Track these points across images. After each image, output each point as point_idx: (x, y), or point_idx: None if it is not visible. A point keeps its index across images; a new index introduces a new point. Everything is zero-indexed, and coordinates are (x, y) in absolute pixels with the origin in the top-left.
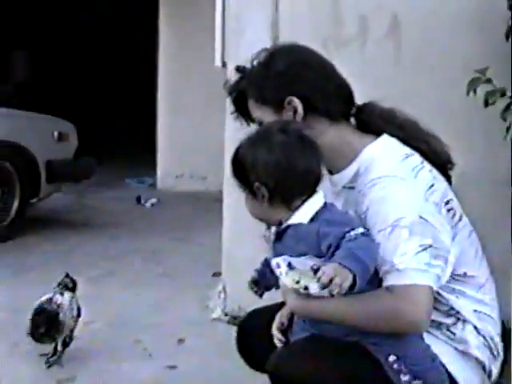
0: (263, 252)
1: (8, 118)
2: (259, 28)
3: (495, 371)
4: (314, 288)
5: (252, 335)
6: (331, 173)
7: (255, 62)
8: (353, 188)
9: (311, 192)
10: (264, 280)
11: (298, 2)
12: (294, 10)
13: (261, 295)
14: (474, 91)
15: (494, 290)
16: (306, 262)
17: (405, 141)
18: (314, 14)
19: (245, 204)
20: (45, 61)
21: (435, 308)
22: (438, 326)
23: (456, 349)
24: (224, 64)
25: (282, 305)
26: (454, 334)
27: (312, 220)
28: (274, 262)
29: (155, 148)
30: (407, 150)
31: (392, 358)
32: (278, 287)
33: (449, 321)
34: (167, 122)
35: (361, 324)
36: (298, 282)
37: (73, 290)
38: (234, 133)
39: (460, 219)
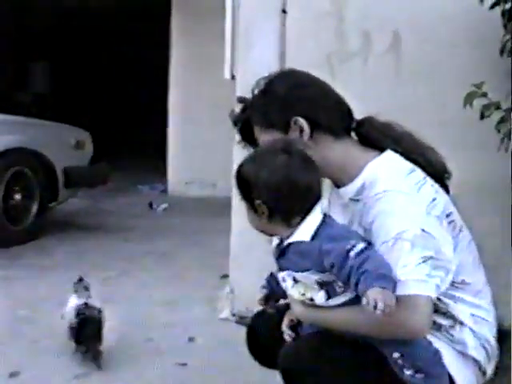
0: (270, 255)
1: (28, 126)
2: (267, 43)
3: (489, 371)
4: (319, 299)
5: (261, 334)
6: (338, 186)
7: (256, 91)
8: (358, 200)
9: (310, 209)
10: (273, 294)
11: (303, 18)
12: (300, 26)
13: (271, 309)
14: (471, 104)
15: (489, 294)
16: (310, 277)
17: (403, 153)
18: (318, 30)
19: (246, 216)
20: (62, 72)
21: (436, 311)
22: (439, 327)
23: (454, 349)
24: (233, 77)
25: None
26: (453, 335)
27: (313, 237)
28: (280, 276)
29: (166, 156)
30: (410, 165)
31: (396, 354)
32: (286, 297)
33: (447, 323)
34: (178, 131)
35: (362, 332)
36: (303, 294)
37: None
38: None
39: (460, 230)
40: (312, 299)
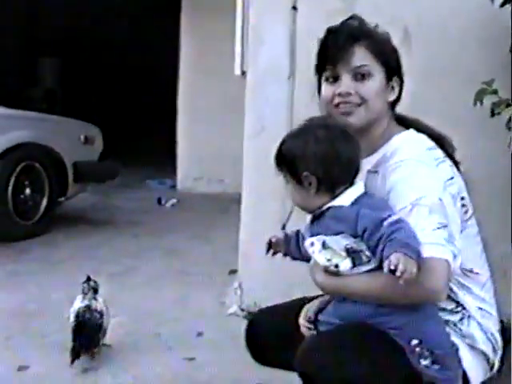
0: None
1: (38, 121)
2: (277, 39)
3: (497, 364)
4: (345, 266)
5: (261, 331)
6: None
7: (378, 27)
8: (376, 172)
9: (352, 181)
10: (286, 246)
11: (314, 15)
12: (310, 22)
13: (273, 254)
14: (481, 102)
15: (492, 289)
16: (340, 241)
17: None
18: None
19: (290, 193)
20: (72, 68)
21: (442, 308)
22: (446, 322)
23: (465, 343)
24: (243, 73)
25: (294, 302)
26: (461, 329)
27: (353, 204)
28: (308, 241)
29: (175, 152)
30: (432, 143)
31: (414, 341)
32: (294, 259)
33: (455, 318)
34: (187, 128)
35: (383, 298)
36: (329, 260)
37: (97, 291)
38: (252, 139)
39: (470, 217)
40: (337, 265)
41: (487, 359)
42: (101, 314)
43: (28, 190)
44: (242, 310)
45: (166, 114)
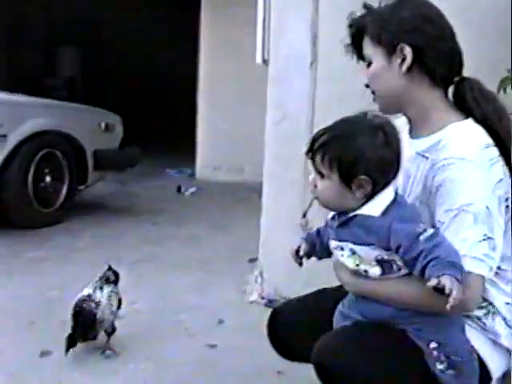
0: (299, 239)
1: (59, 109)
2: (299, 27)
3: None
4: (374, 272)
5: (283, 322)
6: (410, 133)
7: (383, 4)
8: (426, 157)
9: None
10: (310, 251)
11: (336, 2)
12: (333, 9)
13: (300, 264)
14: (505, 90)
15: None
16: (370, 252)
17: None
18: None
19: (320, 192)
20: (92, 57)
21: None
22: (468, 316)
23: (487, 337)
24: (265, 61)
25: (316, 295)
26: (485, 324)
27: (383, 214)
28: (334, 243)
29: (195, 140)
30: (488, 139)
31: (433, 344)
32: (319, 258)
33: (480, 312)
34: (206, 116)
35: (412, 304)
36: (358, 265)
37: (115, 282)
38: (273, 127)
39: (510, 218)
40: (366, 271)
41: (510, 353)
42: (97, 304)
43: (48, 178)
44: (263, 297)
45: (185, 102)
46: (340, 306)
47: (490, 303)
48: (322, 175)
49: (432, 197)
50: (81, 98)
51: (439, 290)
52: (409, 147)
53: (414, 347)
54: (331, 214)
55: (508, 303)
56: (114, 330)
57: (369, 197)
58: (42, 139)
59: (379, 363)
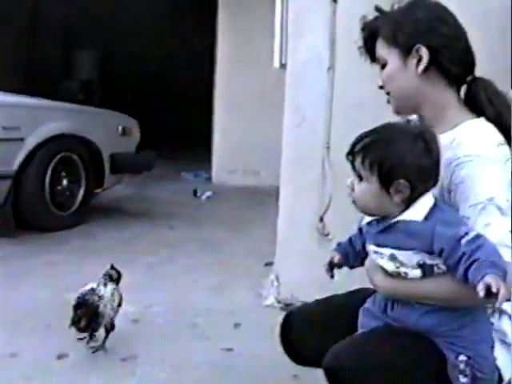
0: (315, 243)
1: (76, 113)
2: (317, 31)
3: None
4: (413, 275)
5: (296, 326)
6: None
7: (396, 6)
8: None
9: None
10: (343, 261)
11: (355, 4)
12: (351, 12)
13: (332, 276)
14: None
15: None
16: (412, 256)
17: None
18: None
19: (358, 195)
20: (109, 60)
21: None
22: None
23: (496, 337)
24: (282, 65)
25: (328, 301)
26: (492, 323)
27: (426, 218)
28: (373, 248)
29: (211, 144)
30: (501, 137)
31: (462, 357)
32: (352, 267)
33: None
34: (223, 120)
35: (447, 302)
36: (397, 268)
37: (117, 281)
38: (291, 131)
39: None
40: (406, 273)
41: None
42: (100, 297)
43: (65, 181)
44: (279, 301)
45: (202, 106)
46: (369, 305)
47: None
48: (360, 178)
49: (452, 195)
50: (97, 101)
51: (488, 292)
52: None
53: (438, 356)
54: (366, 219)
55: None
56: (113, 327)
57: (407, 203)
58: (59, 143)
59: (393, 374)
